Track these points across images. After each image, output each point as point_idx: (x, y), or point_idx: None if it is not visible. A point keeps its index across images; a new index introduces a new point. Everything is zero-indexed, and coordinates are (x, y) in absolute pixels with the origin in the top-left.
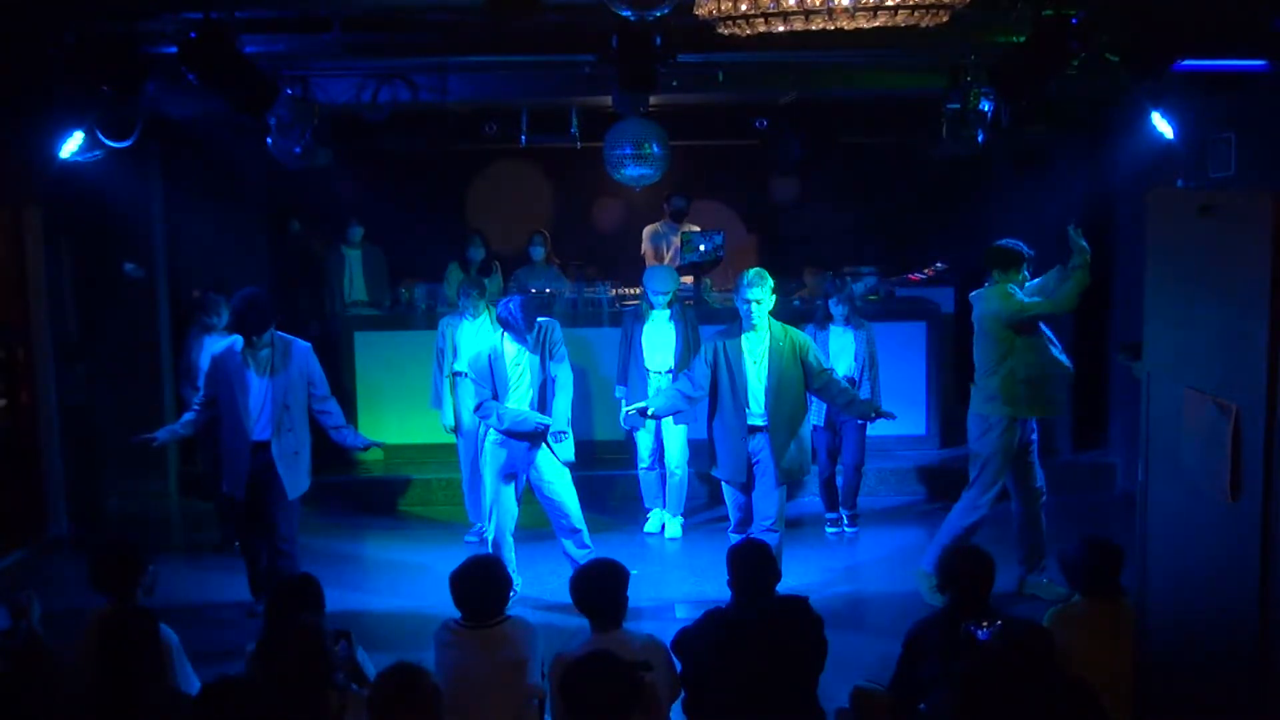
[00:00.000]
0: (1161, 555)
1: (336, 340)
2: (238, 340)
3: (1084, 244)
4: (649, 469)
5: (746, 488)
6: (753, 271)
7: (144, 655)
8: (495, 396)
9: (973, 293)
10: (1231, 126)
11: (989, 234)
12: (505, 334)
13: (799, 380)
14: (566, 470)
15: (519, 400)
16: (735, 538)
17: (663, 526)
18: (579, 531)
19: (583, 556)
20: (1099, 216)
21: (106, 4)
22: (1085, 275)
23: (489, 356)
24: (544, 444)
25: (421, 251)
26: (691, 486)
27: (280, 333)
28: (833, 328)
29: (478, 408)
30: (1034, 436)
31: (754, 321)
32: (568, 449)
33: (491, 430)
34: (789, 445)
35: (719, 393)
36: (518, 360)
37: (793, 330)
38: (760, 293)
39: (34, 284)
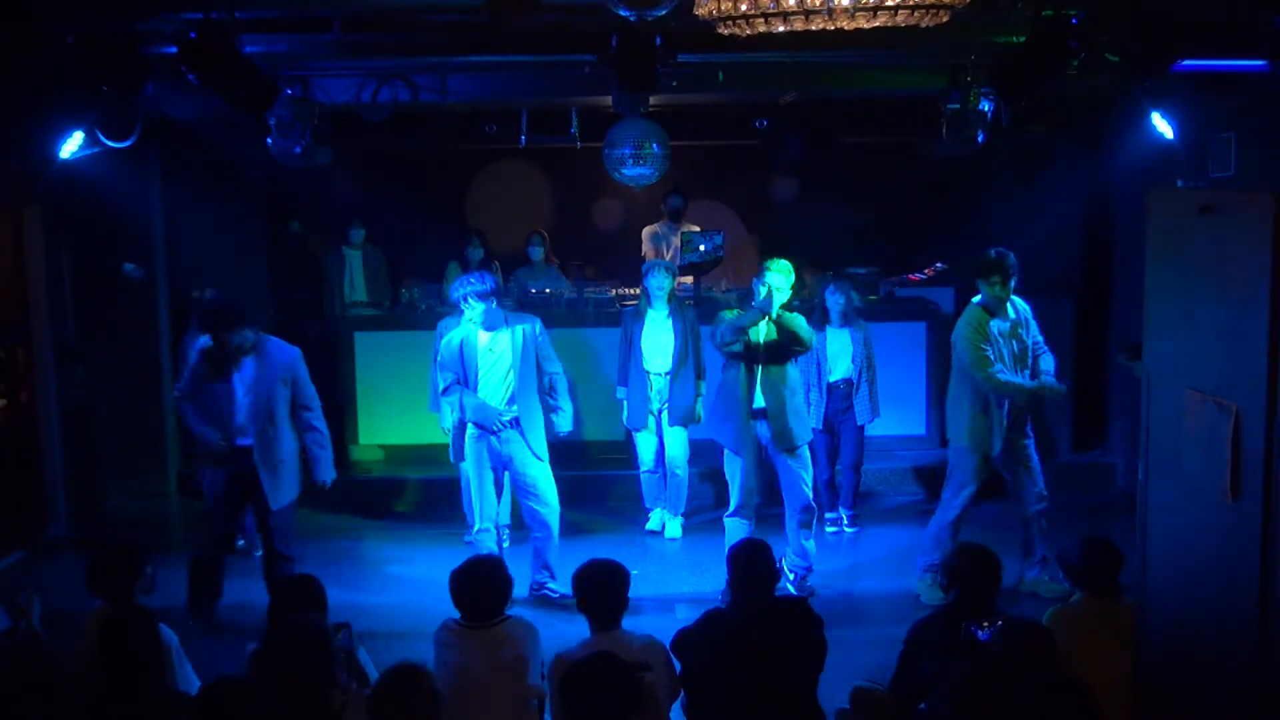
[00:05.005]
0: (1161, 555)
1: (336, 340)
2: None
3: (1059, 387)
4: (651, 471)
5: (755, 464)
6: (782, 261)
7: (144, 655)
8: (462, 383)
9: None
10: (1231, 126)
11: (989, 234)
12: (480, 324)
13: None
14: (544, 465)
15: (491, 390)
16: (730, 522)
17: (663, 525)
18: (551, 545)
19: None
20: (1099, 216)
21: (106, 4)
22: (1023, 394)
23: (460, 342)
24: (523, 441)
25: (421, 251)
26: (694, 487)
27: (269, 336)
28: (830, 329)
29: (445, 389)
30: (1028, 440)
31: (758, 301)
32: (566, 419)
33: (470, 425)
34: (782, 416)
35: (728, 363)
36: (491, 347)
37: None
38: (784, 280)
39: (34, 284)
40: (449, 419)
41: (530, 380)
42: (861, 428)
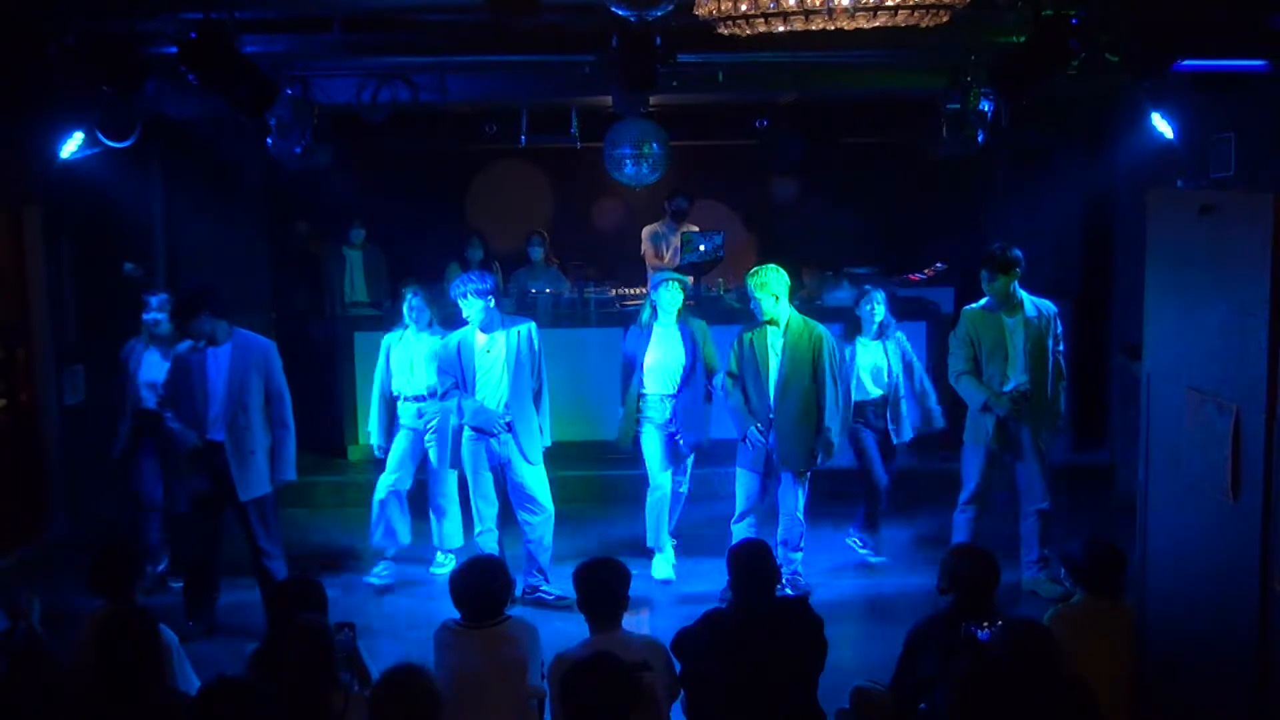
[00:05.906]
0: (1161, 555)
1: (336, 340)
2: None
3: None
4: (662, 495)
5: (764, 478)
6: (751, 270)
7: (144, 655)
8: (460, 387)
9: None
10: (1231, 126)
11: (989, 234)
12: (477, 325)
13: (809, 374)
14: (537, 468)
15: (490, 392)
16: (736, 528)
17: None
18: (545, 548)
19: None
20: (1099, 216)
21: (106, 4)
22: (974, 401)
23: (458, 345)
24: (515, 445)
25: (422, 251)
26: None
27: (242, 330)
28: (860, 340)
29: (444, 394)
30: (1023, 437)
31: (762, 317)
32: (544, 435)
33: (465, 427)
34: (794, 438)
35: (744, 384)
36: (489, 349)
37: (816, 325)
38: (755, 290)
39: (34, 284)
40: (381, 437)
41: (524, 383)
42: (894, 445)
